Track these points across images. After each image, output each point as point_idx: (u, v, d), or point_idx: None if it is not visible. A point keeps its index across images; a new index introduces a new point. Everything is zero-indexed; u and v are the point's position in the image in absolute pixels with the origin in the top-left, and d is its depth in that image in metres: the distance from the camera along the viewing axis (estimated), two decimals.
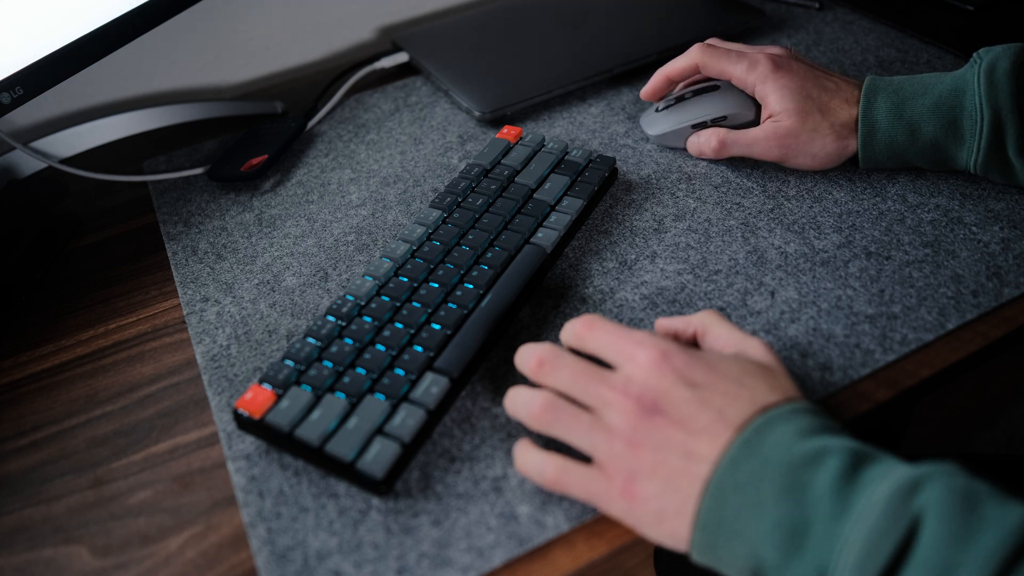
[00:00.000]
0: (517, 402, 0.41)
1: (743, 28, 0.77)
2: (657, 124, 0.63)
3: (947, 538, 0.30)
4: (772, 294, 0.50)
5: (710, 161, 0.62)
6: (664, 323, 0.45)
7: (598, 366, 0.40)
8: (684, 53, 0.60)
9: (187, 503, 0.43)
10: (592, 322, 0.42)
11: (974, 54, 0.55)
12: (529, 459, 0.40)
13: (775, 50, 0.59)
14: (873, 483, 0.33)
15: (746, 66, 0.57)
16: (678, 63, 0.61)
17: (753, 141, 0.58)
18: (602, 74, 0.72)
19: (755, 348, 0.41)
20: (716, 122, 0.60)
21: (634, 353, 0.39)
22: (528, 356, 0.42)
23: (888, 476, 0.33)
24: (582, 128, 0.68)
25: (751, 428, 0.36)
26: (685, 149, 0.63)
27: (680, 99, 0.62)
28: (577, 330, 0.42)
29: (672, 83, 0.62)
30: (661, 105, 0.63)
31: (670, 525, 0.36)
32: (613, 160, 0.60)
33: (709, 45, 0.60)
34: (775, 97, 0.56)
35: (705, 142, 0.60)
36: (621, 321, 0.50)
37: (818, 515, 0.33)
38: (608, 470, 0.37)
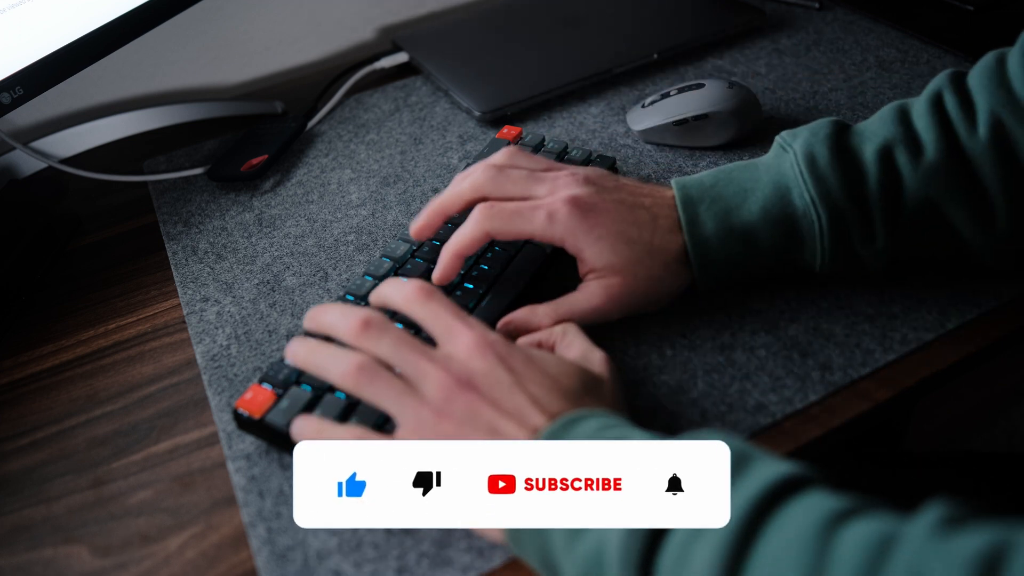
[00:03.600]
0: (325, 356, 0.40)
1: (743, 28, 0.77)
2: (641, 120, 0.64)
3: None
4: (772, 294, 0.50)
5: (710, 161, 0.62)
6: (526, 338, 0.45)
7: (421, 340, 0.40)
8: (468, 220, 0.46)
9: (187, 503, 0.43)
10: (431, 292, 0.41)
11: (777, 139, 0.49)
12: (326, 433, 0.39)
13: (569, 183, 0.47)
14: None
15: (543, 220, 0.45)
16: (465, 236, 0.46)
17: (593, 310, 0.47)
18: (602, 74, 0.72)
19: (595, 359, 0.42)
20: (698, 119, 0.61)
21: (461, 332, 0.39)
22: (352, 316, 0.40)
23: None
24: (582, 128, 0.68)
25: (559, 423, 0.36)
26: (669, 145, 0.64)
27: (665, 95, 0.63)
28: (410, 293, 0.41)
29: (464, 259, 0.48)
30: (647, 101, 0.64)
31: None
32: (613, 160, 0.60)
33: (493, 205, 0.46)
34: (592, 252, 0.46)
35: (536, 325, 0.47)
36: (620, 321, 0.49)
37: None
38: (411, 438, 0.38)
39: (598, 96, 0.72)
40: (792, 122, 0.65)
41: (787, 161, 0.47)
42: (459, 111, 0.72)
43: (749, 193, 0.47)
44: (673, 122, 0.62)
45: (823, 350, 0.47)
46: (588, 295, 0.47)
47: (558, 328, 0.44)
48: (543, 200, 0.46)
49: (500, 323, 0.47)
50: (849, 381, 0.45)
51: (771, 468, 0.33)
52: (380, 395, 0.39)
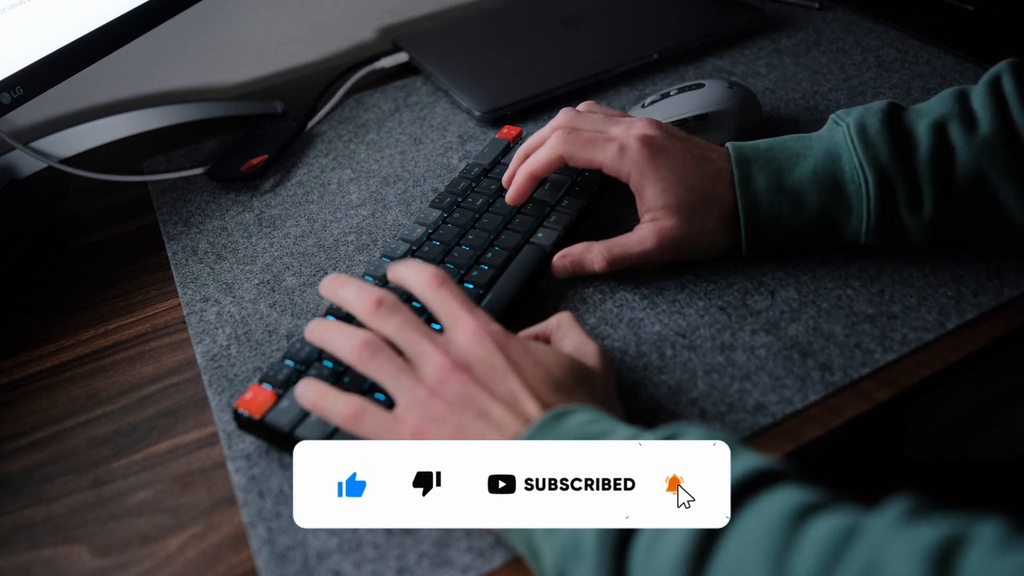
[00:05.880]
0: (336, 333, 0.41)
1: (743, 28, 0.77)
2: None
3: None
4: (772, 294, 0.50)
5: None
6: (526, 331, 0.45)
7: (428, 325, 0.41)
8: (545, 143, 0.52)
9: (187, 503, 0.43)
10: (444, 279, 0.42)
11: (831, 116, 0.51)
12: (328, 397, 0.40)
13: (643, 126, 0.50)
14: None
15: (615, 151, 0.49)
16: (541, 157, 0.52)
17: (643, 253, 0.50)
18: (602, 74, 0.72)
19: (590, 352, 0.42)
20: (698, 119, 0.61)
21: (464, 320, 0.40)
22: (367, 294, 0.41)
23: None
24: None
25: (546, 417, 0.36)
26: None
27: (665, 95, 0.63)
28: (425, 278, 0.42)
29: (538, 180, 0.54)
30: (648, 101, 0.64)
31: None
32: None
33: (572, 130, 0.51)
34: (653, 191, 0.49)
35: (590, 261, 0.51)
36: (621, 321, 0.50)
37: None
38: (404, 415, 0.38)
39: (598, 96, 0.72)
40: (792, 122, 0.65)
41: (840, 132, 0.49)
42: (459, 111, 0.72)
43: (801, 158, 0.49)
44: (673, 122, 0.62)
45: (823, 350, 0.47)
46: (640, 237, 0.50)
47: (553, 320, 0.45)
48: (618, 136, 0.50)
49: (558, 255, 0.51)
50: (849, 381, 0.45)
51: (745, 461, 0.33)
52: (380, 371, 0.40)
